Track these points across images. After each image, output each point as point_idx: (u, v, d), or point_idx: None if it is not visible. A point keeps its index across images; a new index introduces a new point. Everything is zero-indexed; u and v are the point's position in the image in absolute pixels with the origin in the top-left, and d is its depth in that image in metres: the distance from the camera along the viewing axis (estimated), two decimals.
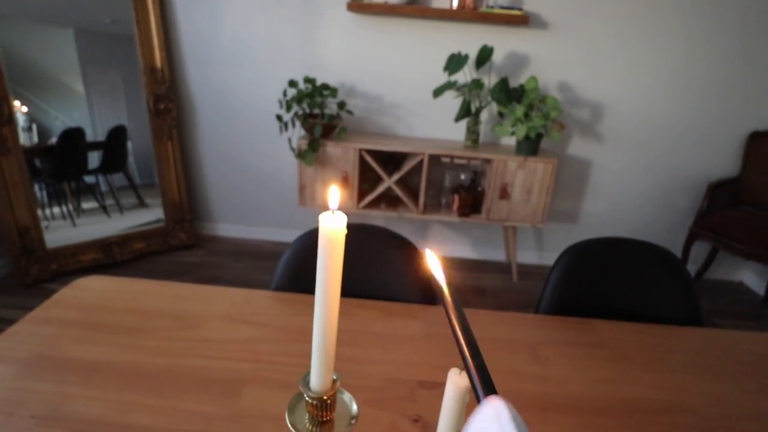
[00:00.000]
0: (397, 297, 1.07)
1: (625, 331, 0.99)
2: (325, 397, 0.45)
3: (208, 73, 2.74)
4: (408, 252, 1.12)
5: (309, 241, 1.10)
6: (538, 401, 0.77)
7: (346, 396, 0.50)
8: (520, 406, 0.76)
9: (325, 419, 0.47)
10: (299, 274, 1.07)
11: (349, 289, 1.05)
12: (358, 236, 1.14)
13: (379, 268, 1.12)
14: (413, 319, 0.98)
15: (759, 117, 2.66)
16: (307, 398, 0.46)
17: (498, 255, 3.11)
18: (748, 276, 3.05)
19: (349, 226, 1.13)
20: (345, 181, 2.54)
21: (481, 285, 2.78)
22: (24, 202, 2.35)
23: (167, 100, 2.67)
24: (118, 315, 0.92)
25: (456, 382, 0.45)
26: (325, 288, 0.41)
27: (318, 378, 0.45)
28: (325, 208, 1.31)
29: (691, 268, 3.03)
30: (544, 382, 0.82)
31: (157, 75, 2.61)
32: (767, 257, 2.39)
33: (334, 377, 0.47)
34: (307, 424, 0.47)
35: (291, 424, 0.45)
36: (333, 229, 0.39)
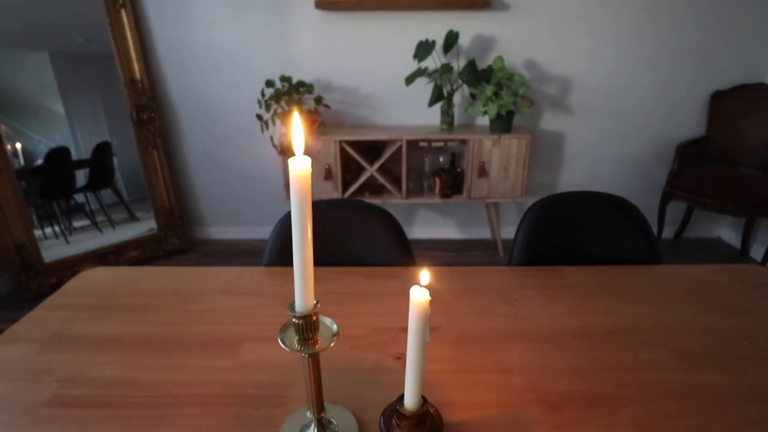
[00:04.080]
0: (378, 263, 1.16)
1: (589, 273, 1.09)
2: (310, 316, 0.54)
3: (187, 80, 2.80)
4: (385, 221, 1.21)
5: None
6: (509, 334, 0.87)
7: (327, 320, 0.59)
8: (494, 338, 0.86)
9: (310, 338, 0.55)
10: (287, 248, 1.16)
11: (334, 258, 1.14)
12: (339, 211, 1.23)
13: (360, 238, 1.21)
14: (393, 279, 1.07)
15: (719, 77, 2.78)
16: (294, 320, 0.55)
17: (483, 233, 3.20)
18: (725, 231, 3.17)
19: (331, 203, 1.22)
20: (328, 173, 2.63)
21: (469, 263, 2.87)
22: (19, 219, 2.41)
23: (149, 110, 2.73)
24: (123, 297, 1.00)
25: (416, 296, 0.54)
26: (299, 218, 0.50)
27: (301, 301, 0.54)
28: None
29: (669, 228, 3.16)
30: (515, 320, 0.92)
31: (138, 86, 2.67)
32: (738, 209, 2.51)
33: (315, 301, 0.55)
34: (296, 344, 0.56)
35: (281, 341, 0.54)
36: (301, 169, 0.48)
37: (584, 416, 0.67)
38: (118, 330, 0.89)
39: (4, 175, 2.34)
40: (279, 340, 0.55)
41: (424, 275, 0.54)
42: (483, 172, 2.64)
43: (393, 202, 2.75)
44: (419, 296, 0.54)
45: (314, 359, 0.57)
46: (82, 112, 2.68)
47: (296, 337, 0.56)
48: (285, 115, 2.54)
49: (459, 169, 2.77)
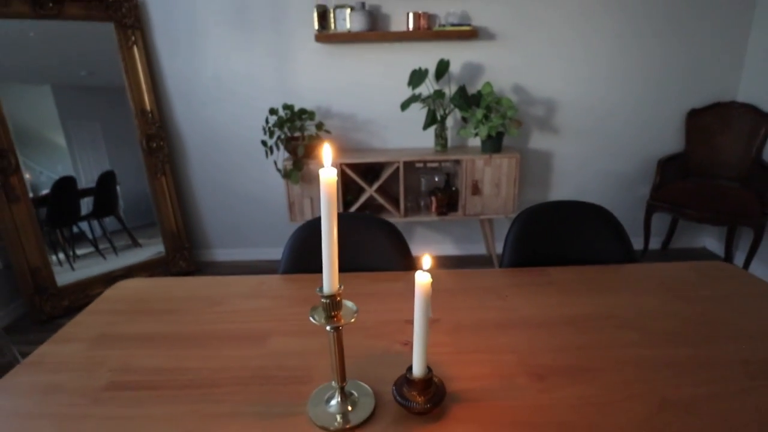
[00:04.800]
0: (384, 269, 1.29)
1: (572, 272, 1.22)
2: (335, 296, 0.67)
3: (194, 109, 2.96)
4: (388, 231, 1.34)
5: (305, 231, 1.32)
6: (500, 323, 1.00)
7: (348, 303, 0.72)
8: (485, 326, 0.98)
9: (334, 315, 0.68)
10: (301, 257, 1.29)
11: (344, 265, 1.27)
12: (348, 222, 1.36)
13: (367, 247, 1.34)
14: (398, 281, 1.20)
15: (694, 96, 2.97)
16: (322, 300, 0.68)
17: (479, 249, 3.34)
18: (710, 241, 3.32)
19: (341, 216, 1.37)
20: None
21: None
22: (35, 244, 2.52)
23: (158, 138, 2.88)
24: (156, 303, 1.12)
25: (420, 278, 0.67)
26: (327, 215, 0.63)
27: (328, 284, 0.67)
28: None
29: (657, 239, 3.30)
30: (504, 311, 1.04)
31: (148, 117, 2.83)
32: (717, 219, 2.66)
33: (339, 285, 0.68)
34: (323, 320, 0.68)
35: (311, 317, 0.67)
36: (328, 176, 0.62)
37: (564, 382, 0.80)
38: (156, 329, 1.01)
39: (22, 203, 2.47)
40: (310, 317, 0.68)
41: (426, 260, 0.67)
42: (476, 190, 2.79)
43: (392, 221, 2.88)
44: (422, 278, 0.67)
45: (338, 333, 0.70)
46: (83, 143, 2.77)
47: (324, 314, 0.69)
48: (288, 141, 2.69)
49: (454, 188, 2.92)
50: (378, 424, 0.72)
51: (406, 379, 0.74)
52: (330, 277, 0.67)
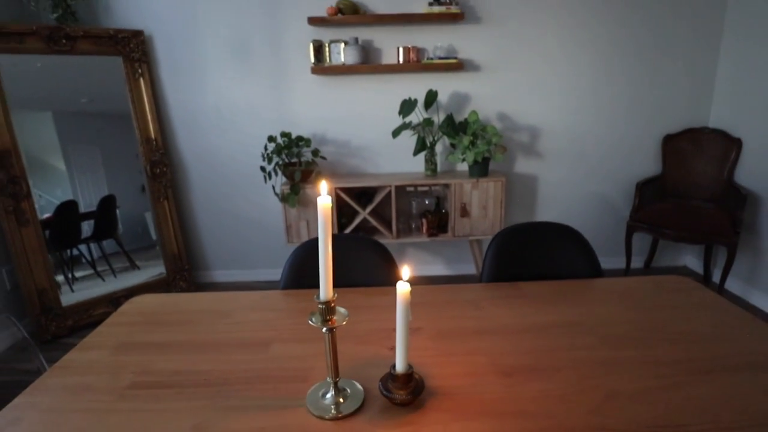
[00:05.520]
0: (373, 284, 1.42)
1: (543, 286, 1.36)
2: (330, 302, 0.80)
3: (196, 137, 3.12)
4: (378, 250, 1.48)
5: (304, 250, 1.45)
6: (476, 330, 1.12)
7: (342, 309, 0.85)
8: (463, 333, 1.11)
9: (329, 319, 0.81)
10: (300, 274, 1.42)
11: (337, 281, 1.40)
12: (343, 243, 1.50)
13: (358, 264, 1.47)
14: (386, 295, 1.33)
15: (669, 122, 3.15)
16: (319, 306, 0.81)
17: (469, 269, 3.47)
18: (690, 260, 3.47)
19: (335, 237, 1.51)
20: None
21: None
22: (42, 266, 2.64)
23: (162, 164, 3.03)
24: (169, 315, 1.24)
25: (400, 287, 0.81)
26: (323, 234, 0.77)
27: (324, 292, 0.80)
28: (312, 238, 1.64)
29: (639, 258, 3.45)
30: (481, 320, 1.17)
31: (152, 144, 2.98)
32: (692, 238, 2.81)
33: (334, 294, 0.82)
34: (320, 323, 0.81)
35: (309, 320, 0.80)
36: (324, 202, 0.76)
37: (528, 378, 0.92)
38: (170, 338, 1.13)
39: (30, 226, 2.59)
40: (308, 320, 0.81)
41: (405, 271, 0.80)
42: (465, 212, 2.94)
43: (385, 242, 3.02)
44: (403, 287, 0.81)
45: (332, 334, 0.83)
46: (82, 168, 2.85)
47: (320, 318, 0.82)
48: (286, 167, 2.84)
49: (443, 210, 3.06)
50: (366, 414, 0.84)
51: (390, 375, 0.87)
52: (325, 287, 0.80)
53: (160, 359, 1.04)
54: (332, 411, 0.84)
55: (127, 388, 0.94)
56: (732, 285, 3.00)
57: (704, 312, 1.18)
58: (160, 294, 1.39)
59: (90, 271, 3.00)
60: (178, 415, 0.85)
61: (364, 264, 1.47)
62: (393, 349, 1.05)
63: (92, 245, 3.00)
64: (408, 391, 0.85)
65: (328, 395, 0.87)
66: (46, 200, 2.74)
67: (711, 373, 0.93)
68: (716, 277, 3.17)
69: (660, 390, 0.88)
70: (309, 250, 1.44)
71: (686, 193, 3.11)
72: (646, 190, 3.13)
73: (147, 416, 0.85)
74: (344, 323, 0.82)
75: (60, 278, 2.84)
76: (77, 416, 0.86)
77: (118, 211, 3.05)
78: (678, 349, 1.01)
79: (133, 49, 2.84)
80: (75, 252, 2.94)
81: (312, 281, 1.21)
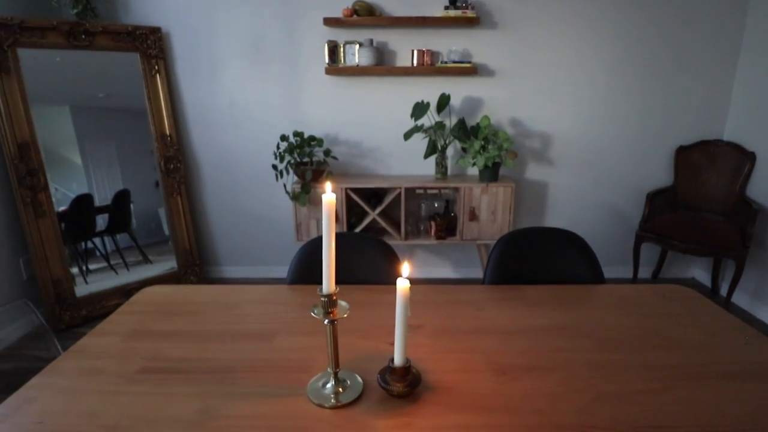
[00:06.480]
0: (377, 282, 1.45)
1: (544, 290, 1.38)
2: (332, 295, 0.83)
3: (210, 134, 3.18)
4: (383, 249, 1.51)
5: (310, 248, 1.49)
6: (474, 329, 1.15)
7: (344, 303, 0.89)
8: (462, 332, 1.14)
9: (331, 311, 0.85)
10: (306, 270, 1.46)
11: (342, 279, 1.44)
12: (349, 241, 1.53)
13: (365, 264, 1.51)
14: (389, 293, 1.36)
15: (682, 133, 3.15)
16: (321, 299, 0.84)
17: (476, 273, 3.48)
18: (698, 272, 3.45)
19: (341, 235, 1.55)
20: (335, 217, 2.94)
21: None
22: (57, 257, 2.71)
23: (175, 160, 3.09)
24: (179, 306, 1.29)
25: (400, 284, 0.84)
26: (327, 230, 0.81)
27: (326, 286, 0.84)
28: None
29: (647, 269, 3.44)
30: (480, 320, 1.20)
31: (167, 140, 3.05)
32: (701, 250, 2.80)
33: (336, 287, 0.85)
34: (322, 315, 0.85)
35: (312, 312, 0.84)
36: (329, 198, 0.79)
37: (521, 377, 0.95)
38: (180, 327, 1.17)
39: (47, 217, 2.67)
40: (311, 312, 0.84)
41: (405, 268, 0.84)
42: (473, 216, 2.96)
43: (393, 243, 3.04)
44: (402, 284, 0.84)
45: (334, 326, 0.86)
46: (98, 162, 2.91)
47: (323, 310, 0.85)
48: (297, 166, 2.89)
49: (452, 214, 3.09)
50: (364, 404, 0.88)
51: (388, 368, 0.90)
52: (328, 280, 0.83)
53: (169, 346, 1.08)
54: (332, 400, 0.88)
55: (138, 373, 0.98)
56: (739, 299, 2.98)
57: (701, 321, 1.19)
58: (171, 285, 1.44)
59: (104, 264, 3.07)
60: (185, 399, 0.89)
61: (370, 263, 1.51)
62: (393, 344, 1.08)
63: (106, 239, 3.07)
64: (405, 383, 0.88)
65: (329, 385, 0.91)
66: (62, 193, 2.80)
67: (702, 379, 0.95)
68: (724, 291, 3.15)
69: (649, 393, 0.90)
70: (316, 248, 1.48)
71: (697, 205, 3.10)
72: (657, 200, 3.12)
73: (155, 399, 0.90)
74: (345, 316, 0.86)
75: (74, 270, 2.90)
76: (90, 397, 0.91)
77: (132, 206, 3.12)
78: (671, 355, 1.03)
79: (151, 46, 2.91)
80: (89, 245, 3.00)
81: (318, 277, 1.25)
